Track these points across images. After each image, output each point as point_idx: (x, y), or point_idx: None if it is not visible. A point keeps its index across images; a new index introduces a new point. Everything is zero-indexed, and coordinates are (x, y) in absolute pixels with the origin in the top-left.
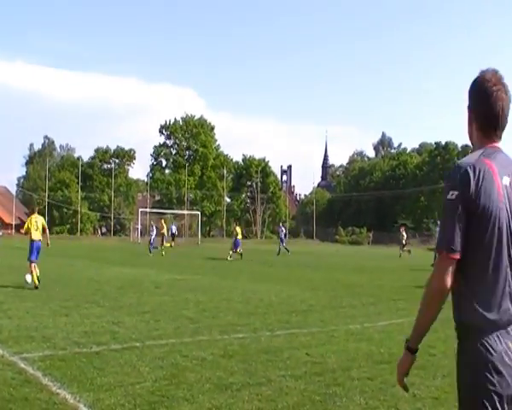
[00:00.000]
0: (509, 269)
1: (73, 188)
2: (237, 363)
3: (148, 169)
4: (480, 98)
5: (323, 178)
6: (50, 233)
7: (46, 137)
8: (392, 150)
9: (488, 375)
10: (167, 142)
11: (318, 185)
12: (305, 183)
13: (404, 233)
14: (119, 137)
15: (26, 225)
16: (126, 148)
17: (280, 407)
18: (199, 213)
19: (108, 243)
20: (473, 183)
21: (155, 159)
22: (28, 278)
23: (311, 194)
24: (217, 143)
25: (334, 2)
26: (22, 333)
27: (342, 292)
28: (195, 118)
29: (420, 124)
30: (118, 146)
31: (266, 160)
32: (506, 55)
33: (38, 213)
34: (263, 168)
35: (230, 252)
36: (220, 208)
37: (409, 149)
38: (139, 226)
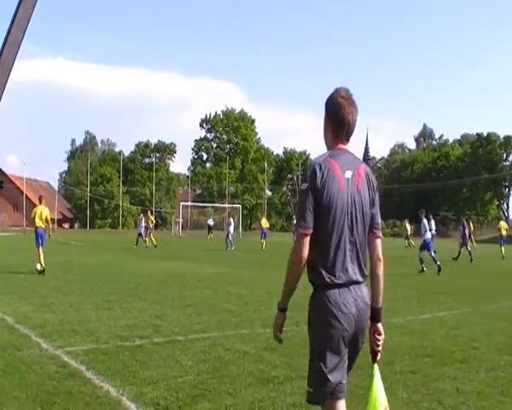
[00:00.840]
0: (348, 243)
1: (115, 182)
2: (279, 356)
3: (189, 163)
4: (335, 110)
5: None
6: (92, 227)
7: (87, 132)
8: (434, 142)
9: (329, 317)
10: (208, 135)
11: None
12: None
13: (407, 226)
14: (159, 132)
15: (32, 214)
16: (167, 142)
17: None
18: (240, 206)
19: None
20: (319, 177)
21: (196, 153)
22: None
23: None
24: (257, 136)
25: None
26: (65, 327)
27: (384, 285)
28: (236, 111)
29: (461, 115)
30: (159, 140)
31: (307, 152)
32: None
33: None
34: (304, 161)
35: (263, 242)
36: (261, 201)
37: (450, 141)
38: (180, 220)
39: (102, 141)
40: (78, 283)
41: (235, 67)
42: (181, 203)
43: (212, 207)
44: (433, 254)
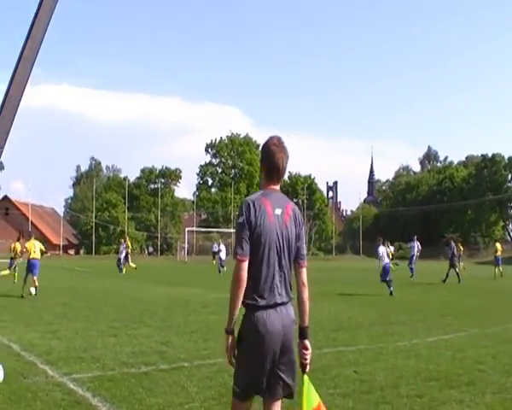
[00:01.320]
0: (275, 271)
1: (120, 208)
2: None
3: (195, 188)
4: (268, 156)
5: (369, 193)
6: (98, 253)
7: (93, 158)
8: (438, 164)
9: (256, 335)
10: (213, 160)
11: (364, 201)
12: (352, 199)
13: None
14: (165, 157)
15: (27, 248)
16: (172, 167)
17: None
18: None
19: (155, 262)
20: (252, 212)
21: (201, 178)
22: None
23: (357, 209)
24: None
25: (376, 22)
26: (71, 354)
27: (390, 308)
28: (241, 136)
29: (466, 136)
30: (164, 166)
31: (312, 176)
32: None
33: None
34: (309, 185)
35: None
36: None
37: (455, 163)
38: (186, 245)
39: (107, 167)
40: (83, 309)
41: (239, 93)
42: (186, 229)
43: (218, 232)
44: (387, 278)
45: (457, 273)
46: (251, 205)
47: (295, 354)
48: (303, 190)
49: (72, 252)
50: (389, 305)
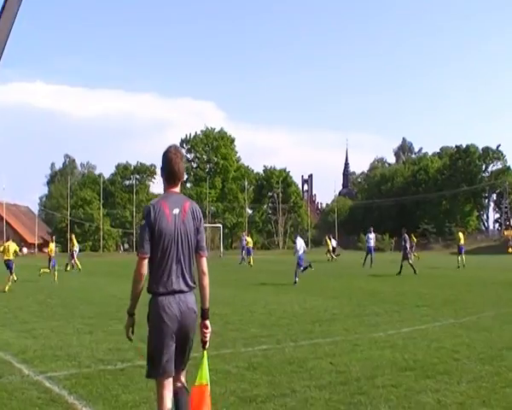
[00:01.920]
0: (174, 263)
1: (95, 205)
2: (261, 375)
3: None
4: (166, 163)
5: (345, 185)
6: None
7: (67, 155)
8: (413, 155)
9: (157, 316)
10: (188, 155)
11: (340, 193)
12: (327, 191)
13: (328, 241)
14: (139, 153)
15: (1, 249)
16: (147, 163)
17: None
18: (221, 226)
19: (131, 259)
20: (152, 215)
21: None
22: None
23: (332, 202)
24: (237, 155)
25: (349, 13)
26: (47, 352)
27: (365, 300)
28: (215, 131)
29: (440, 127)
30: (138, 162)
31: (287, 170)
32: None
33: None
34: (284, 178)
35: (250, 259)
36: (242, 220)
37: (429, 154)
38: None
39: (82, 164)
40: (59, 307)
41: (213, 86)
42: None
43: None
44: (300, 269)
45: (411, 265)
46: (151, 209)
47: (192, 340)
48: (278, 184)
49: (47, 250)
50: (364, 297)
